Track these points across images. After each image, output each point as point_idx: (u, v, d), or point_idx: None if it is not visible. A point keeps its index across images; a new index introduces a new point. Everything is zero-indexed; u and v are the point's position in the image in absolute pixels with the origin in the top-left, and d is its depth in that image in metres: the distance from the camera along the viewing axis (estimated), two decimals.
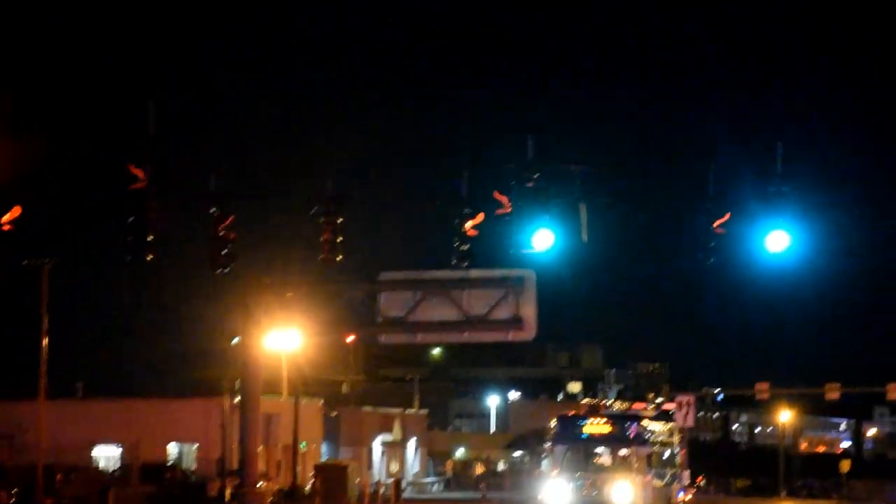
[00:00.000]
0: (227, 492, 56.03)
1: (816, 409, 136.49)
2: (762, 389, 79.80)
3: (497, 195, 38.72)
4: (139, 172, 38.18)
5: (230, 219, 40.07)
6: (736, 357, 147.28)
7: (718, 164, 39.17)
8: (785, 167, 38.48)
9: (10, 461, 62.39)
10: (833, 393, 74.34)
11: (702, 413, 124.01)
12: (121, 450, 67.21)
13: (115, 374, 66.51)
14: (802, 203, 38.95)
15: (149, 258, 38.87)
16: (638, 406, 53.00)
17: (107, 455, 67.84)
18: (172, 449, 68.70)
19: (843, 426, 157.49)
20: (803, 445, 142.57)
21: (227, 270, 40.67)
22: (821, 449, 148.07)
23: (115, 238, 39.34)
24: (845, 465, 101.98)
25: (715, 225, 38.77)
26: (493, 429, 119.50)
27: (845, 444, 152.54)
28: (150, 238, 38.76)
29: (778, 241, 38.95)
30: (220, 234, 40.16)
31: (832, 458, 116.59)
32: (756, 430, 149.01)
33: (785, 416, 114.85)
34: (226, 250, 40.30)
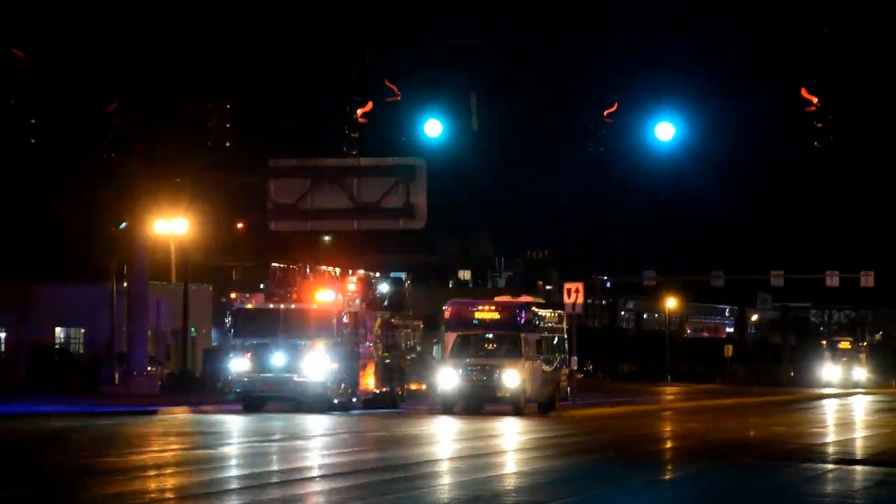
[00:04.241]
0: (116, 376, 55.85)
1: (702, 296, 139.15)
2: (649, 277, 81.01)
3: (387, 83, 38.65)
4: (20, 53, 37.42)
5: (115, 104, 39.53)
6: (624, 245, 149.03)
7: (608, 54, 39.45)
8: (673, 57, 38.90)
9: None
10: (717, 280, 75.66)
11: (590, 300, 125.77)
12: (4, 334, 66.50)
13: None
14: (687, 93, 39.43)
15: (32, 141, 38.32)
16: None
17: None
18: (59, 333, 68.13)
19: (727, 312, 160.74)
20: (688, 331, 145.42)
21: (113, 154, 40.24)
22: (705, 334, 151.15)
23: None
24: (729, 350, 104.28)
25: (605, 114, 39.13)
26: None
27: (729, 330, 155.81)
28: (32, 121, 38.15)
29: (665, 131, 39.44)
30: (110, 117, 39.63)
31: (716, 343, 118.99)
32: (643, 317, 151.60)
33: (671, 303, 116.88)
34: (112, 134, 39.80)
